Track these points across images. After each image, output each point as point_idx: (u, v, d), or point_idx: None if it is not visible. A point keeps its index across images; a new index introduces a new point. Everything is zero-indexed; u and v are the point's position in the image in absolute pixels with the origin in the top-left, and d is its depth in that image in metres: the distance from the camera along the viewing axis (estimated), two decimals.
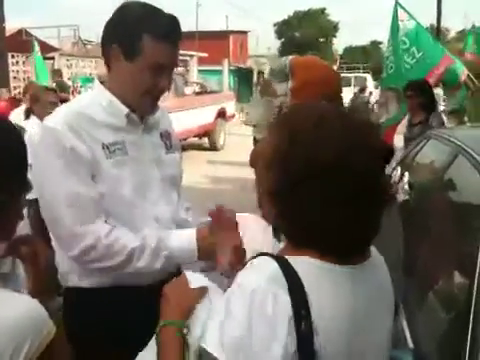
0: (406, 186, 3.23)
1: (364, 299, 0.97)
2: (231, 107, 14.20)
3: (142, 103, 1.66)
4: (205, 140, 13.15)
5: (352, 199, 0.90)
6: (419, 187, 2.94)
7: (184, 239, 1.63)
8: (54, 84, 10.17)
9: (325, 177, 0.90)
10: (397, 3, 5.28)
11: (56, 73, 11.84)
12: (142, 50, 1.56)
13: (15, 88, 12.95)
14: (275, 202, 0.95)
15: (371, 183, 0.92)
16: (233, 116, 14.52)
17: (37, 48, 10.56)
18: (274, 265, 0.90)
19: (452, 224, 2.22)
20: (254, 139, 6.65)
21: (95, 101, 1.68)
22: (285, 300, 0.87)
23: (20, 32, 14.13)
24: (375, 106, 14.19)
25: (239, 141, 12.82)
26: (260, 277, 0.89)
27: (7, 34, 11.92)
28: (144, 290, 1.65)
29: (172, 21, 1.61)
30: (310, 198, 0.91)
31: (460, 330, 1.44)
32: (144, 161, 1.70)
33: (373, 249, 1.06)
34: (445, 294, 1.91)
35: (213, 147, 12.83)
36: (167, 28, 1.58)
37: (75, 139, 1.56)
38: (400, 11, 5.21)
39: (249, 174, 1.10)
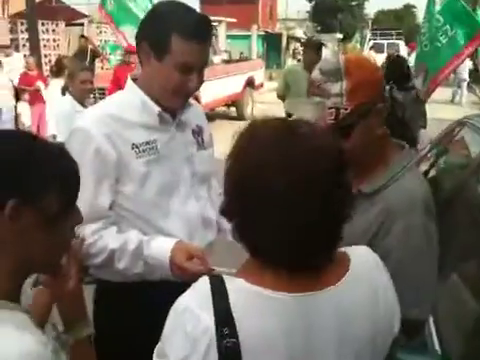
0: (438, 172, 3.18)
1: (309, 330, 0.97)
2: (260, 76, 14.02)
3: (172, 101, 1.68)
4: (233, 109, 13.10)
5: (293, 216, 0.92)
6: (451, 180, 2.89)
7: (160, 250, 1.63)
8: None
9: (264, 193, 0.93)
10: None
11: (83, 39, 11.71)
12: (171, 49, 1.57)
13: (45, 56, 13.03)
14: (229, 218, 1.01)
15: (317, 201, 0.93)
16: (262, 85, 14.34)
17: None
18: (207, 287, 0.99)
19: None
20: (287, 114, 6.53)
21: (127, 101, 1.70)
22: (207, 320, 0.95)
23: None
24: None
25: (267, 110, 12.75)
26: (191, 298, 1.01)
27: (36, 1, 11.92)
28: (173, 285, 1.69)
29: (201, 20, 1.61)
30: (252, 214, 0.95)
31: None
32: (175, 159, 1.73)
33: (358, 272, 1.04)
34: (476, 296, 1.91)
35: (241, 117, 12.76)
36: (196, 28, 1.58)
37: (103, 141, 1.59)
38: None
39: None
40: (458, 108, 13.76)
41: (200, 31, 1.59)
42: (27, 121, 8.59)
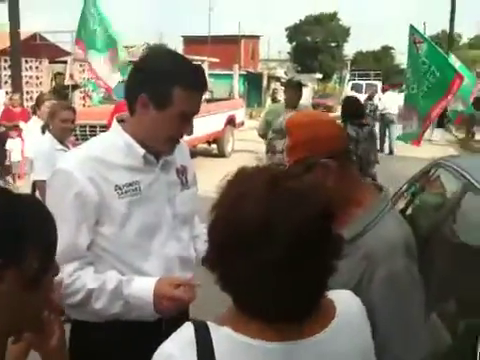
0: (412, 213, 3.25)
1: None
2: (241, 114, 14.25)
3: (164, 148, 1.72)
4: (214, 146, 13.21)
5: (276, 268, 0.91)
6: (424, 221, 2.96)
7: (142, 288, 1.64)
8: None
9: (247, 246, 0.93)
10: (412, 27, 5.39)
11: (58, 77, 11.65)
12: (173, 100, 1.61)
13: (28, 93, 13.05)
14: (211, 268, 1.01)
15: (300, 253, 0.92)
16: (242, 124, 14.55)
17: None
18: (191, 334, 0.98)
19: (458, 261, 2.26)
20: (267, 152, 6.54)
21: (112, 143, 1.72)
22: None
23: (34, 36, 14.21)
24: (383, 111, 14.50)
25: (248, 147, 12.88)
26: (175, 344, 0.99)
27: (21, 38, 12.00)
28: (150, 325, 1.70)
29: (198, 70, 1.68)
30: (234, 265, 0.95)
31: None
32: (157, 200, 1.74)
33: (342, 317, 1.04)
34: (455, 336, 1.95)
35: (221, 154, 12.88)
36: (196, 78, 1.64)
37: (85, 184, 1.61)
38: (415, 35, 5.30)
39: None
40: (434, 147, 14.06)
41: (199, 81, 1.65)
42: (18, 157, 8.57)
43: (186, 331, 1.00)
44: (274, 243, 0.91)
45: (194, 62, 1.77)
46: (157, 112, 1.63)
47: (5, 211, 0.93)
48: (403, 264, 1.31)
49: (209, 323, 1.00)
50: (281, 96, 12.66)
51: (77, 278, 1.62)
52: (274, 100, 16.90)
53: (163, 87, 1.61)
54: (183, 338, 0.99)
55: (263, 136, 6.47)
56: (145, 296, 1.62)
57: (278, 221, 0.92)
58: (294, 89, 6.22)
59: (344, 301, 1.08)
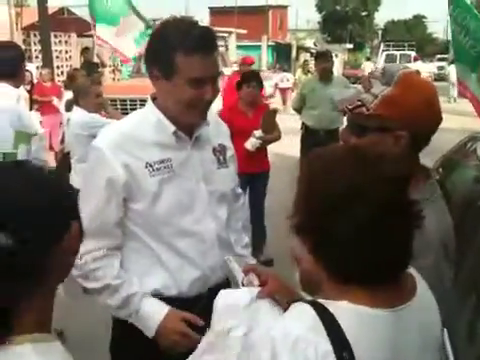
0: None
1: (404, 344, 0.98)
2: (269, 87, 14.12)
3: (189, 116, 1.67)
4: None
5: (371, 227, 0.94)
6: (461, 195, 2.88)
7: (152, 312, 1.66)
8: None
9: (342, 209, 0.95)
10: None
11: (85, 52, 11.61)
12: (177, 68, 1.57)
13: (58, 68, 13.17)
14: (305, 239, 1.01)
15: (389, 211, 0.94)
16: (272, 96, 14.45)
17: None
18: (312, 312, 0.94)
19: None
20: (303, 124, 6.41)
21: (144, 120, 1.71)
22: (326, 348, 0.91)
23: (61, 11, 14.29)
24: None
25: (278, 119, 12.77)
26: (301, 325, 0.94)
27: (49, 13, 12.06)
28: (190, 301, 1.72)
29: (202, 33, 1.60)
30: (332, 230, 0.96)
31: None
32: (190, 178, 1.72)
33: (422, 287, 1.05)
34: None
35: None
36: (197, 42, 1.57)
37: (114, 163, 1.62)
38: None
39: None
40: (466, 118, 13.71)
41: (202, 44, 1.58)
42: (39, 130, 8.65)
43: (305, 310, 0.96)
44: (367, 205, 0.93)
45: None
46: (167, 82, 1.61)
47: (63, 180, 1.03)
48: (433, 262, 1.27)
49: (320, 300, 0.98)
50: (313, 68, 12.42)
51: (102, 267, 1.66)
52: (308, 72, 16.43)
53: (165, 56, 1.58)
54: (306, 317, 0.95)
55: (298, 110, 6.36)
56: (151, 321, 1.65)
57: (368, 188, 0.94)
58: (325, 59, 6.08)
59: (415, 273, 1.09)
